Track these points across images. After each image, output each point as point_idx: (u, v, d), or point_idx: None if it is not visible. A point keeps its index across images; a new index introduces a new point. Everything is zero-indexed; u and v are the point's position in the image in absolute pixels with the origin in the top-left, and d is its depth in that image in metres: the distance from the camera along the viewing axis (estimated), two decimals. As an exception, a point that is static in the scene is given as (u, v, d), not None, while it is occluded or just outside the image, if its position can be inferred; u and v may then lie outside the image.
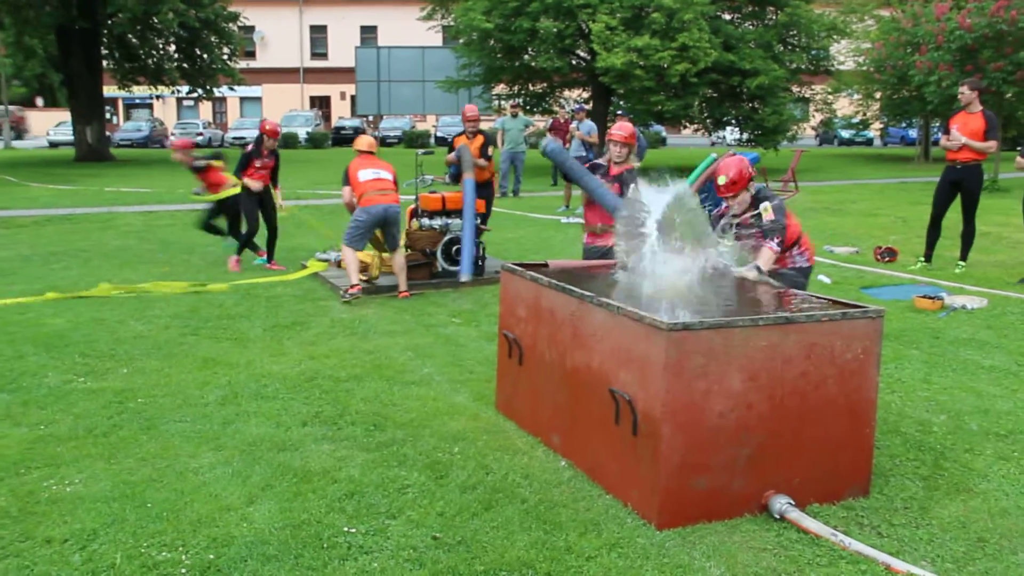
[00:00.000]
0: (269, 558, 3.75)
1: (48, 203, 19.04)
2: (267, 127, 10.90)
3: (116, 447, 5.02)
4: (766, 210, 5.36)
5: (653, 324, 4.00)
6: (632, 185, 6.06)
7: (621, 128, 6.86)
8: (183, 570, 3.65)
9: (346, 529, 4.00)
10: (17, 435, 5.20)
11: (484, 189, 10.69)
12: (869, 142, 50.34)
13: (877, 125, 42.02)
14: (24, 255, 12.16)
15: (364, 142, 9.35)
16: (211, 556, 3.76)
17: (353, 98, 44.27)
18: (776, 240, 5.31)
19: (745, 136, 28.75)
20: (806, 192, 20.19)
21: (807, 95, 32.96)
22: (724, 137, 38.17)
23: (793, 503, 4.11)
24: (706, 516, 4.06)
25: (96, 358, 6.85)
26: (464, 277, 9.27)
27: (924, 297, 8.72)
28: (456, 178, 10.35)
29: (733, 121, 28.94)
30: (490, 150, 10.85)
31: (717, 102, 27.96)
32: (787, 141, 29.22)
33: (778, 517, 4.08)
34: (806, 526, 3.98)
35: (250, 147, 11.00)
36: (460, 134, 11.01)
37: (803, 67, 29.06)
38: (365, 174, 8.96)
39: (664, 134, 48.94)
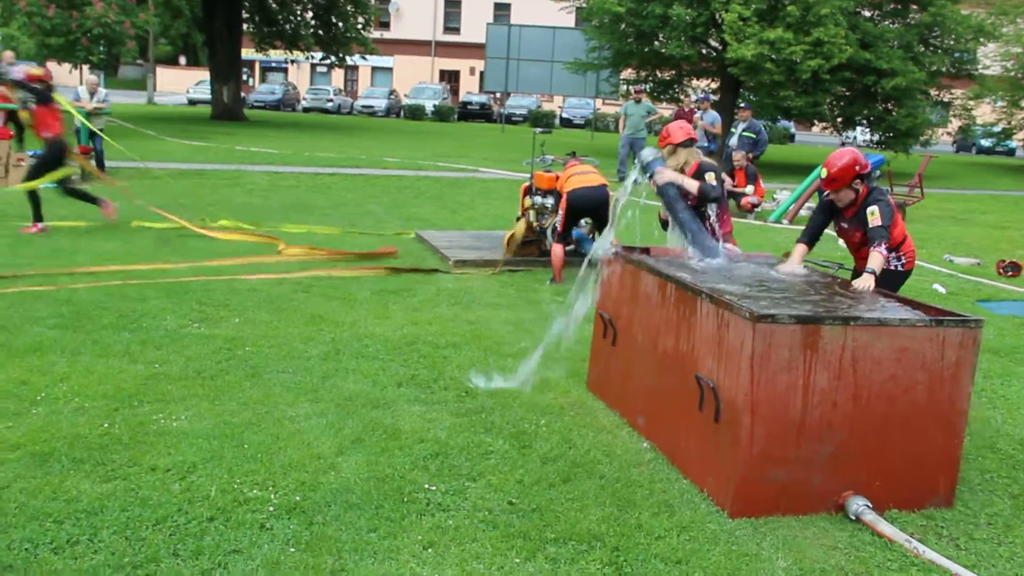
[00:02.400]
0: (351, 505, 3.93)
1: (182, 158, 19.84)
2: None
3: (221, 390, 5.30)
4: (872, 214, 5.25)
5: (742, 314, 4.03)
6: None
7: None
8: (271, 508, 3.86)
9: (427, 487, 4.16)
10: (133, 371, 5.53)
11: None
12: (1011, 152, 48.21)
13: (1021, 135, 40.23)
14: (157, 205, 12.73)
15: None
16: (298, 498, 3.96)
17: (482, 74, 44.62)
18: (884, 244, 5.17)
19: (876, 137, 27.95)
20: (933, 199, 19.56)
21: (946, 99, 31.77)
22: (854, 137, 37.18)
23: (870, 506, 4.09)
24: (780, 509, 4.08)
25: (211, 306, 7.19)
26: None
27: (1043, 315, 8.43)
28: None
29: (864, 121, 28.14)
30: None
31: (849, 101, 27.23)
32: (919, 146, 28.28)
33: (854, 518, 4.07)
34: (881, 530, 3.96)
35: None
36: None
37: (944, 70, 28.01)
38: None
39: (793, 130, 47.90)
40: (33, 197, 10.16)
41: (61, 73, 39.29)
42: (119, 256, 8.90)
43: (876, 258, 5.16)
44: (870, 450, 4.15)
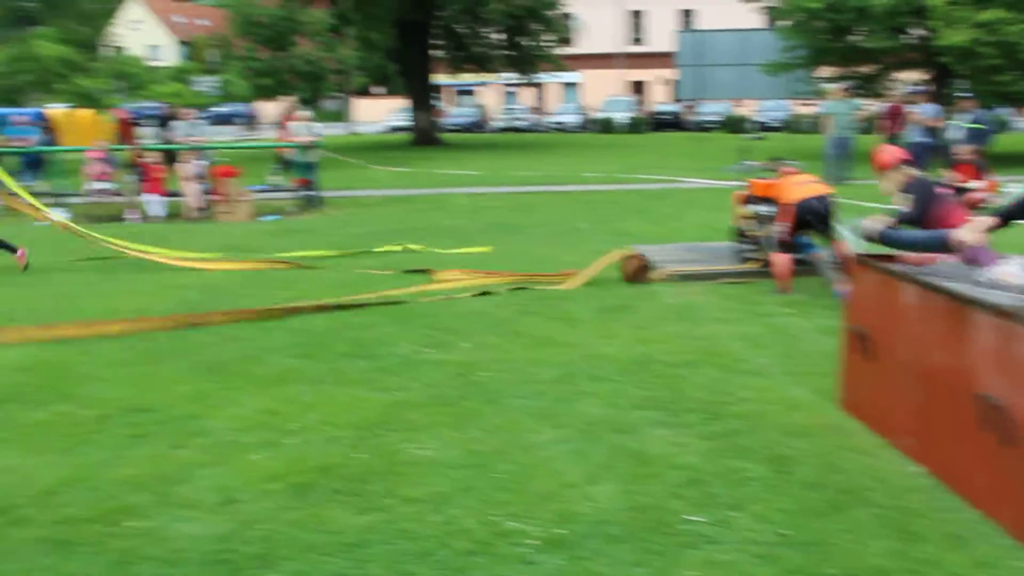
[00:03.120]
0: (613, 538, 3.78)
1: (387, 184, 20.49)
2: None
3: (463, 417, 5.27)
4: None
5: (1038, 325, 3.63)
6: None
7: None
8: (531, 541, 3.76)
9: (688, 517, 3.96)
10: (375, 399, 5.60)
11: None
12: None
13: None
14: (371, 232, 13.16)
15: None
16: (557, 530, 3.84)
17: (671, 83, 44.10)
18: None
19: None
20: None
21: None
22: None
23: None
24: (1093, 543, 3.64)
25: (439, 331, 7.24)
26: None
27: None
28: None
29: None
30: None
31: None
32: None
33: None
34: None
35: None
36: None
37: None
38: None
39: (1009, 117, 44.76)
40: None
41: (268, 110, 41.47)
42: (343, 285, 9.14)
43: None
44: None
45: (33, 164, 19.14)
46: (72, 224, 11.30)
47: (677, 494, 4.19)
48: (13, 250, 10.56)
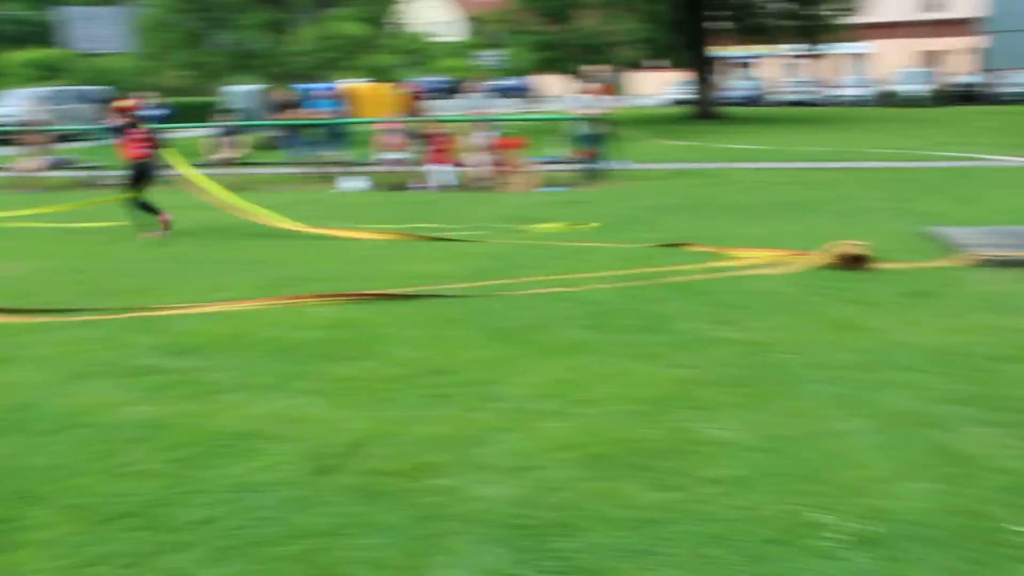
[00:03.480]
0: (930, 542, 3.49)
1: (669, 157, 20.33)
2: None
3: (755, 398, 5.08)
4: None
5: None
6: None
7: None
8: (837, 535, 3.54)
9: (1016, 528, 3.60)
10: (664, 375, 5.51)
11: None
12: None
13: None
14: (651, 205, 13.09)
15: None
16: (866, 527, 3.60)
17: (978, 51, 40.66)
18: None
19: None
20: None
21: None
22: None
23: None
24: None
25: (727, 308, 7.05)
26: None
27: None
28: None
29: None
30: None
31: None
32: None
33: None
34: None
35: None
36: None
37: None
38: None
39: None
40: (140, 205, 11.62)
41: (547, 83, 42.20)
42: (626, 259, 9.11)
43: None
44: None
45: (335, 135, 20.48)
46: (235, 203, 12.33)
47: (1002, 500, 3.82)
48: (158, 212, 11.67)
